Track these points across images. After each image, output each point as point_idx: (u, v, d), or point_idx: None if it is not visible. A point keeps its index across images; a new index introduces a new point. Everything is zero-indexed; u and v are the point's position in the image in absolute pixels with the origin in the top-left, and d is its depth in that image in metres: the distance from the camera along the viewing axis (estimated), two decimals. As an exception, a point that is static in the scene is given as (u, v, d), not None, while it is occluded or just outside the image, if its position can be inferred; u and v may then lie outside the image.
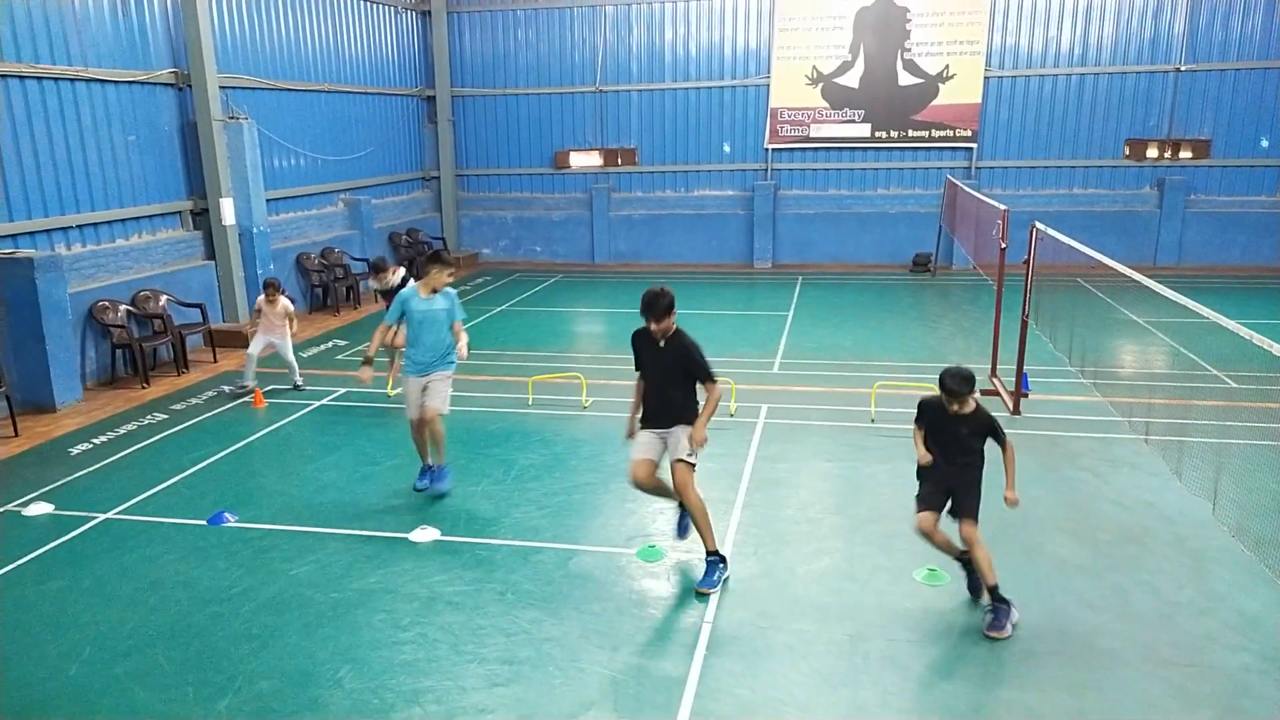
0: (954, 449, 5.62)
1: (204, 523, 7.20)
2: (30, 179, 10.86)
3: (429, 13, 20.22)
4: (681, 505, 6.30)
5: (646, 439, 6.25)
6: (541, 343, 13.38)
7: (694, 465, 6.07)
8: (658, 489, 6.27)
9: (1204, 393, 10.10)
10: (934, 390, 5.66)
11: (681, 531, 6.46)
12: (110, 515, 7.40)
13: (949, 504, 5.67)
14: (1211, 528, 6.81)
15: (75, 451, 8.93)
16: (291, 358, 10.92)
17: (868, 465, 8.24)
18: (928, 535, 5.66)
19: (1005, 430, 5.64)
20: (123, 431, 9.52)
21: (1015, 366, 9.70)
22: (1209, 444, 8.35)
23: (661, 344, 6.14)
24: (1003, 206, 10.26)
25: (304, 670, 5.21)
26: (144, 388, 11.19)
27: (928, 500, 5.65)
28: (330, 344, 13.45)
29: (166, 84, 12.94)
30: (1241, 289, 16.14)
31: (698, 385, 6.16)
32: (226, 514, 7.30)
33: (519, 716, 4.79)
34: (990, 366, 10.69)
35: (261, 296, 10.79)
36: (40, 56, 10.90)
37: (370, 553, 6.67)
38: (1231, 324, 6.26)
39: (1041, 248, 9.69)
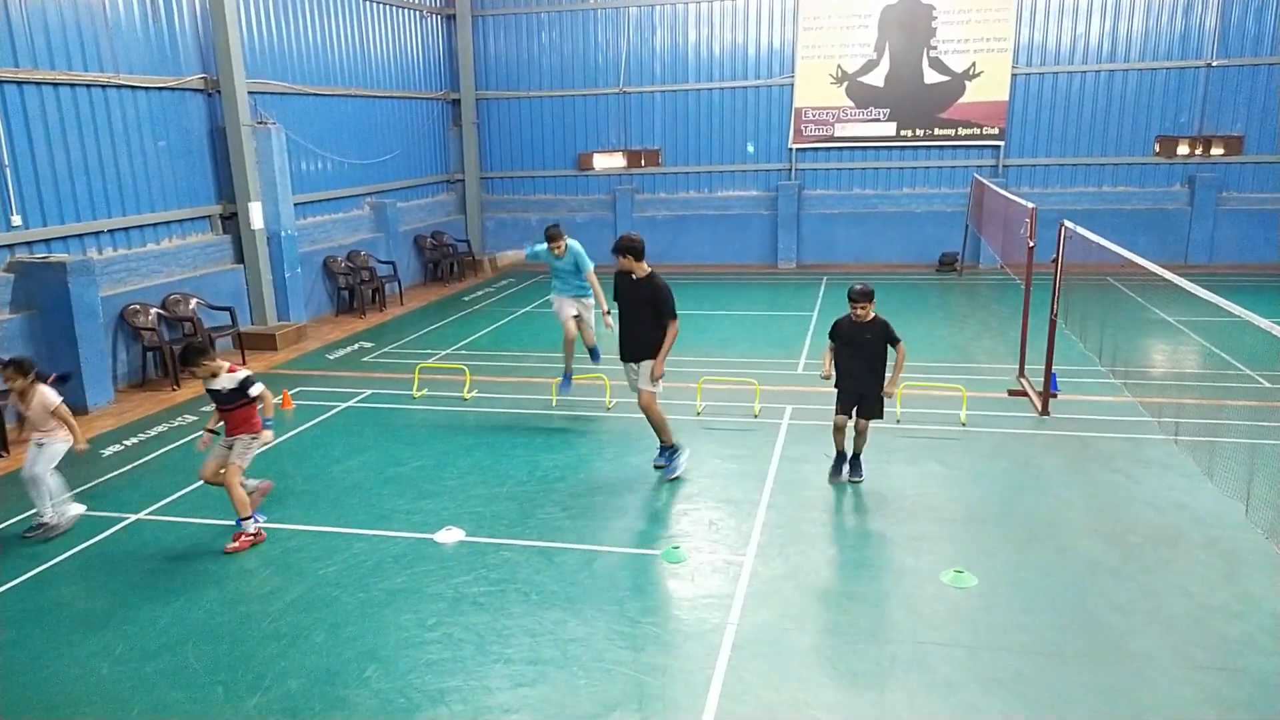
0: (863, 355, 7.47)
1: (233, 523, 7.27)
2: (63, 184, 11.04)
3: (454, 16, 20.34)
4: (665, 449, 8.16)
5: (626, 368, 8.17)
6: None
7: (656, 392, 7.93)
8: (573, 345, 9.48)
9: (1236, 393, 9.94)
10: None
11: (668, 463, 8.09)
12: (141, 516, 7.50)
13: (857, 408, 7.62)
14: (1245, 530, 6.69)
15: (106, 453, 9.06)
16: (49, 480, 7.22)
17: (893, 466, 8.19)
18: (838, 430, 7.71)
19: (899, 336, 7.47)
20: (153, 433, 9.64)
21: (1044, 367, 9.59)
22: (1241, 444, 8.21)
23: (635, 278, 7.85)
24: (1030, 205, 10.16)
25: (331, 669, 5.26)
26: (174, 390, 11.33)
27: (843, 406, 7.64)
28: (356, 346, 13.56)
29: (196, 90, 13.11)
30: (1274, 287, 15.86)
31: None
32: (256, 514, 7.37)
33: (544, 717, 4.80)
34: (1018, 367, 10.59)
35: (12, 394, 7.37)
36: (73, 64, 11.08)
37: (396, 553, 6.71)
38: (1264, 322, 6.16)
39: (1070, 246, 9.58)
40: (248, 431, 6.96)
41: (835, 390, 7.73)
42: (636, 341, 7.91)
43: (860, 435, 7.72)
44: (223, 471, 6.90)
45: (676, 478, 7.96)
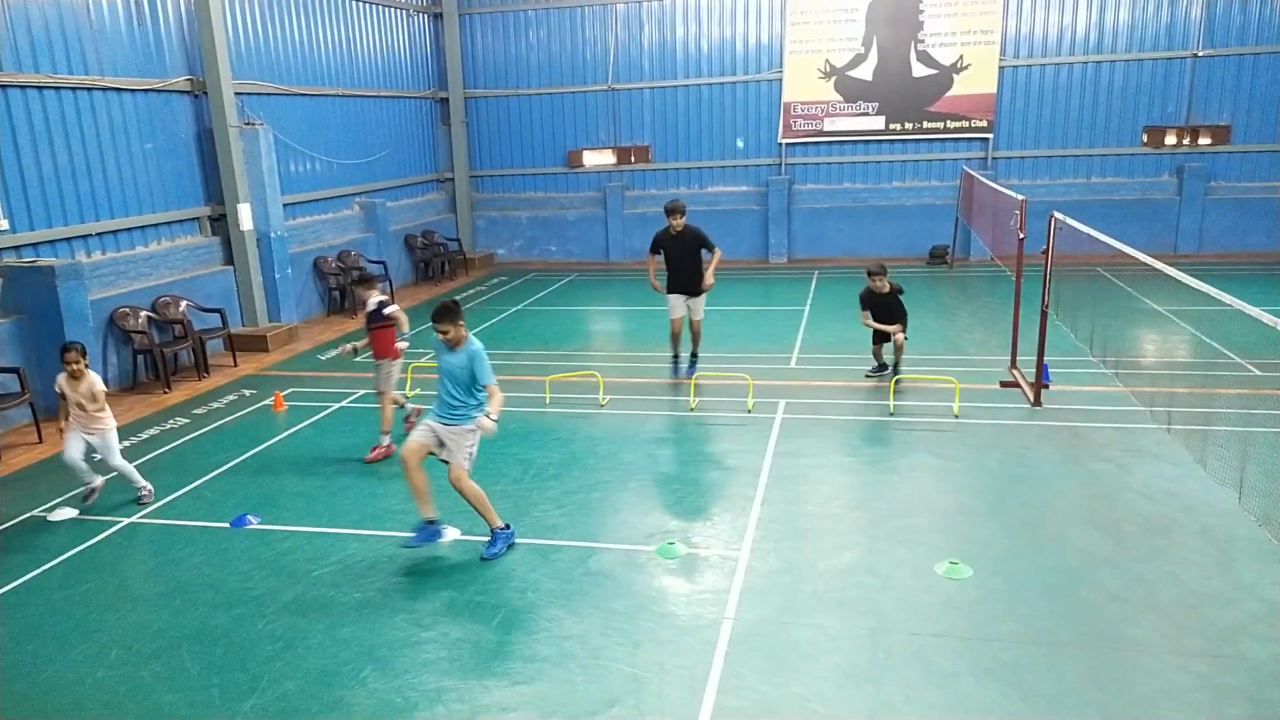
0: (885, 313, 10.30)
1: (227, 525, 7.26)
2: (50, 188, 10.97)
3: (440, 15, 20.28)
4: (692, 355, 11.08)
5: (679, 302, 10.61)
6: (558, 341, 13.40)
7: (701, 318, 10.87)
8: (680, 339, 10.95)
9: (1227, 381, 9.99)
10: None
11: (690, 372, 10.73)
12: (134, 519, 7.47)
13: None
14: (1237, 517, 6.73)
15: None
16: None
17: (887, 459, 8.21)
18: (877, 355, 10.72)
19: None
20: (145, 436, 9.60)
21: (1035, 358, 9.62)
22: (1233, 432, 8.26)
23: (678, 234, 10.33)
24: (1020, 197, 10.18)
25: (328, 670, 5.25)
26: (165, 392, 11.29)
27: (878, 341, 10.58)
28: (348, 346, 13.49)
29: (182, 91, 13.04)
30: (1264, 275, 15.94)
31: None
32: (249, 516, 7.36)
33: (541, 714, 4.80)
34: (1010, 358, 10.62)
35: (62, 375, 7.67)
36: (58, 67, 11.01)
37: (392, 553, 6.70)
38: (1254, 310, 6.19)
39: (1060, 237, 9.61)
40: (388, 356, 8.66)
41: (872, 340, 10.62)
42: (690, 278, 10.45)
43: (899, 348, 10.32)
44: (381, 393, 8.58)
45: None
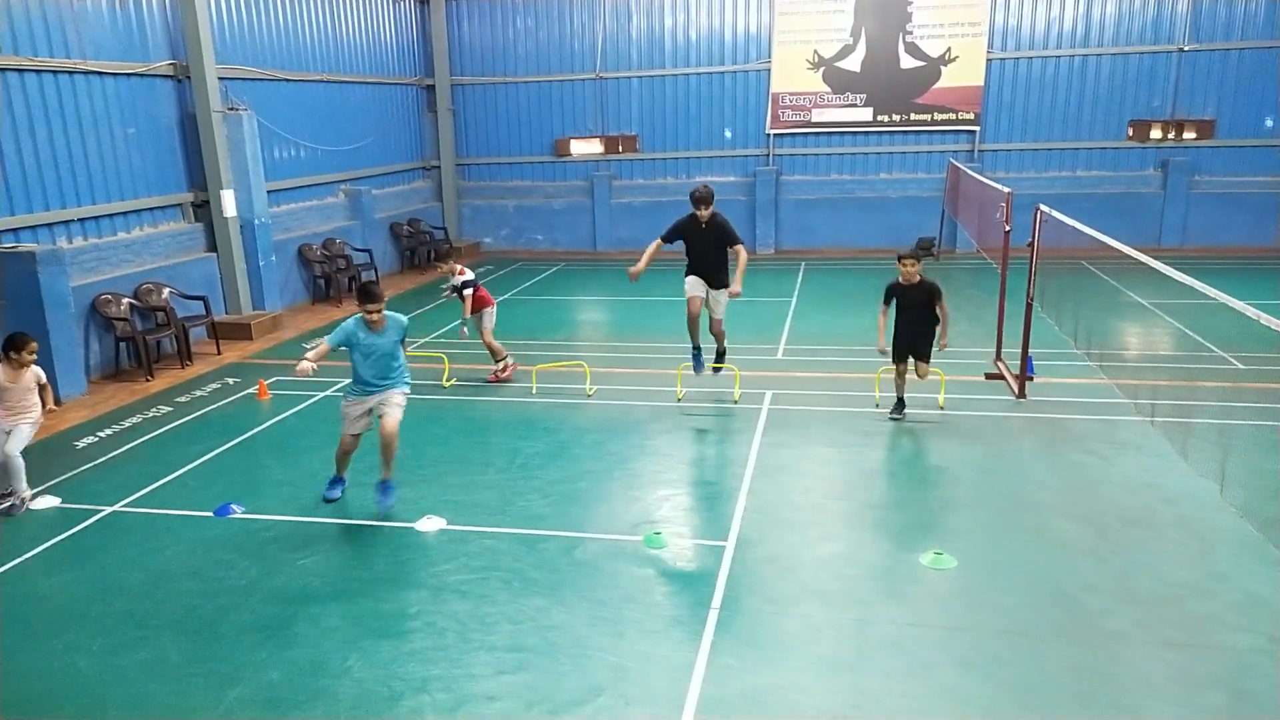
0: (912, 314, 8.53)
1: (210, 514, 7.22)
2: (30, 173, 10.84)
3: (427, 1, 20.13)
4: (715, 351, 9.90)
5: (697, 283, 9.40)
6: (544, 331, 13.37)
7: (722, 317, 9.53)
8: (698, 323, 9.45)
9: (1210, 374, 10.08)
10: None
11: (697, 367, 9.76)
12: (116, 508, 7.42)
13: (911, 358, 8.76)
14: (1218, 509, 6.80)
15: (81, 445, 8.95)
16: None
17: (872, 450, 8.24)
18: (897, 386, 8.89)
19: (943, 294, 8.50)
20: (128, 424, 9.54)
21: (1020, 350, 9.68)
22: (1215, 425, 8.34)
23: (704, 226, 9.20)
24: (1006, 189, 10.22)
25: (312, 660, 5.24)
26: (148, 380, 11.21)
27: (899, 357, 8.76)
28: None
29: (165, 76, 12.91)
30: (1247, 269, 16.08)
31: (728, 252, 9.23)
32: (233, 505, 7.33)
33: (527, 704, 4.80)
34: (995, 350, 10.67)
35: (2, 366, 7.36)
36: (39, 50, 10.87)
37: (376, 542, 6.68)
38: (1237, 304, 6.24)
39: (1045, 230, 9.66)
40: (483, 307, 10.81)
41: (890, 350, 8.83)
42: (714, 271, 9.35)
43: (925, 374, 8.86)
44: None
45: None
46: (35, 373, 7.52)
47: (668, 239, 9.54)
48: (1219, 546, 6.28)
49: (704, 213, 9.14)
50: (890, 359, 8.81)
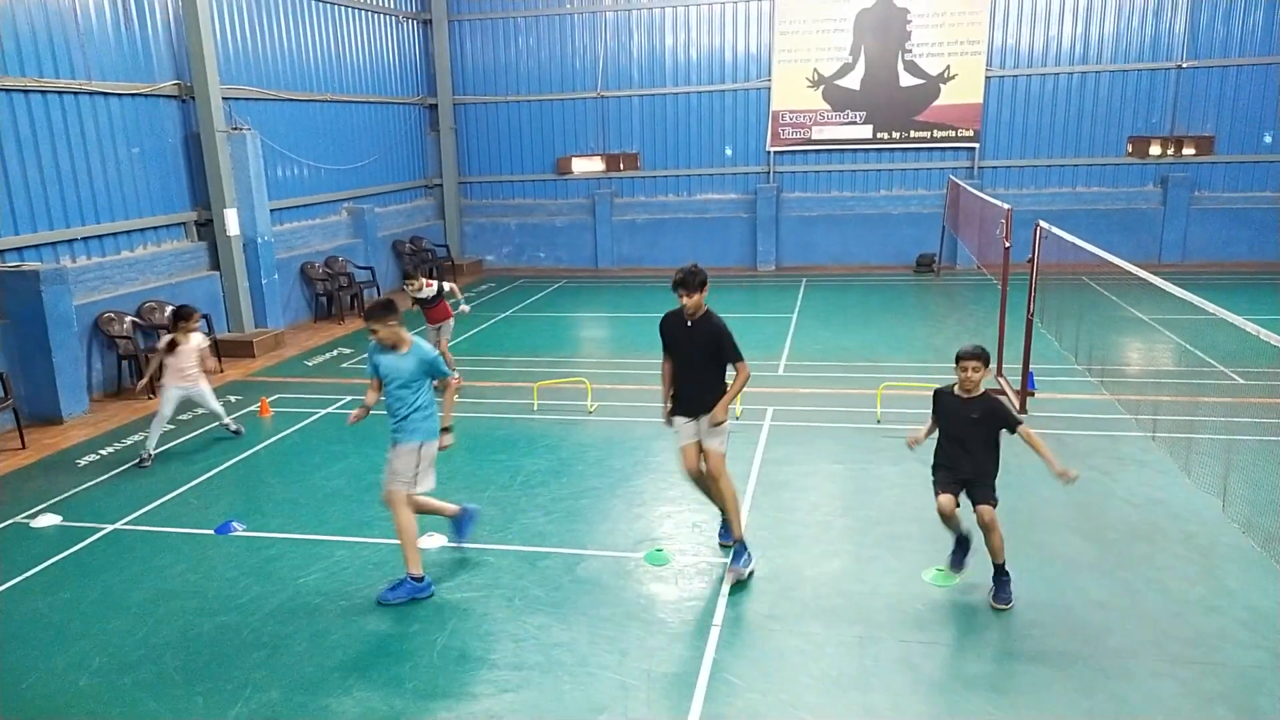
0: (966, 437, 5.85)
1: (212, 532, 7.21)
2: (35, 192, 10.90)
3: (430, 21, 20.28)
4: (724, 525, 6.67)
5: (687, 425, 6.35)
6: (546, 348, 13.38)
7: (723, 453, 6.26)
8: (703, 480, 6.41)
9: (1211, 389, 10.07)
10: (931, 386, 6.31)
11: (739, 562, 6.26)
12: (118, 526, 7.41)
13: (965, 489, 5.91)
14: (1221, 524, 6.78)
15: (82, 463, 8.95)
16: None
17: (875, 467, 8.23)
18: (946, 518, 5.88)
19: (1019, 417, 5.90)
20: (129, 442, 9.54)
21: (1021, 366, 9.68)
22: (1217, 440, 8.31)
23: (690, 324, 6.18)
24: (1006, 206, 10.25)
25: (313, 678, 5.21)
26: (150, 398, 11.20)
27: (944, 485, 5.88)
28: (335, 352, 13.47)
29: (170, 96, 12.99)
30: (1247, 285, 16.09)
31: (727, 368, 6.30)
32: (234, 523, 7.31)
33: (529, 722, 4.78)
34: (996, 366, 10.67)
35: (167, 338, 8.91)
36: (44, 71, 10.95)
37: (378, 560, 6.66)
38: (1238, 319, 6.25)
39: (1046, 246, 9.68)
40: (443, 320, 10.89)
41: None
42: (700, 400, 6.23)
43: (988, 529, 5.73)
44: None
45: (748, 575, 6.27)
46: (199, 340, 8.95)
47: (666, 349, 6.43)
48: (1224, 562, 6.25)
49: (687, 302, 6.08)
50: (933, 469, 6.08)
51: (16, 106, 10.61)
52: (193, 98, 13.17)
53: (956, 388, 5.89)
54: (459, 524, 6.73)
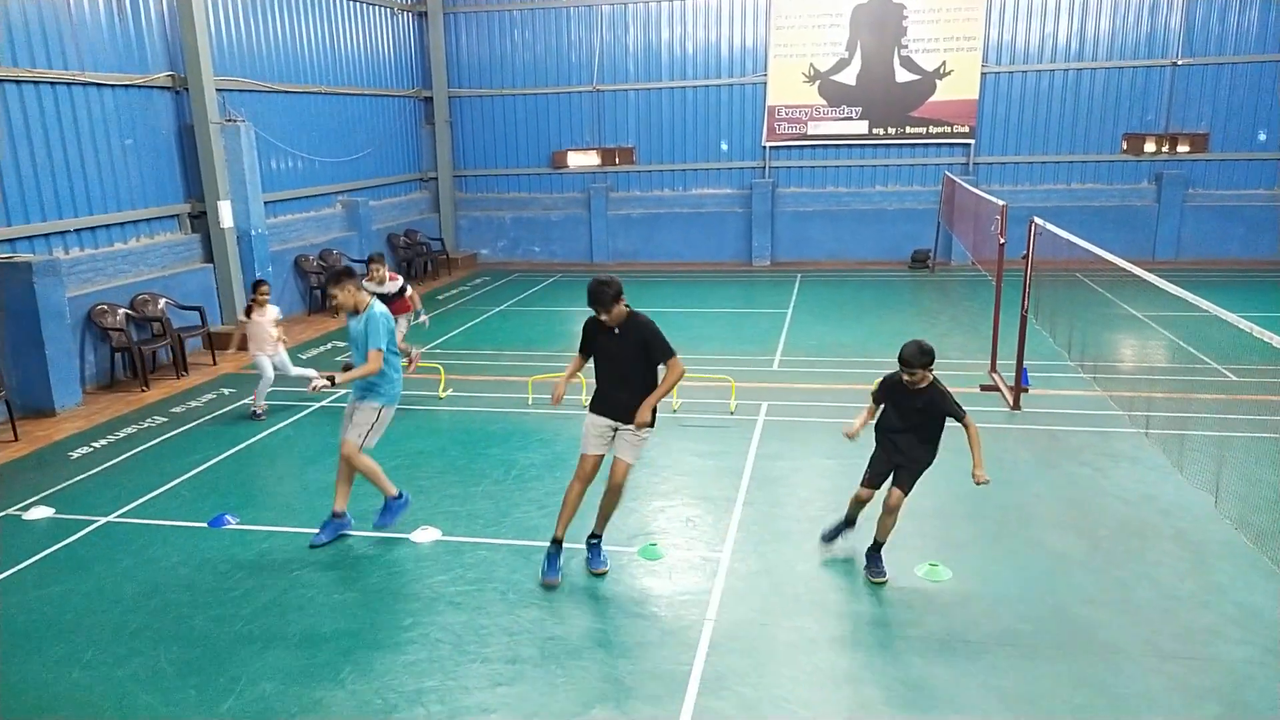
0: (906, 430, 5.97)
1: (205, 525, 7.19)
2: (28, 183, 10.85)
3: (425, 14, 20.22)
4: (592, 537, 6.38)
5: (600, 430, 6.09)
6: (541, 342, 13.38)
7: (632, 464, 6.13)
8: (578, 501, 6.14)
9: (1204, 386, 10.10)
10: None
11: (551, 571, 6.14)
12: (111, 518, 7.40)
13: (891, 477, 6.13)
14: (1213, 521, 6.81)
15: (75, 455, 8.93)
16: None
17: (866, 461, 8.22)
18: (856, 505, 6.31)
19: (965, 408, 5.87)
20: (123, 435, 9.51)
21: (1015, 362, 9.70)
22: (1210, 437, 8.35)
23: (617, 331, 5.94)
24: (1001, 202, 10.26)
25: (306, 671, 5.21)
26: (143, 391, 11.18)
27: (871, 477, 6.18)
28: (329, 345, 13.45)
29: (163, 87, 12.93)
30: (1240, 282, 16.14)
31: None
32: (227, 516, 7.30)
33: (522, 716, 4.78)
34: (990, 362, 10.69)
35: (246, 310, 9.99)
36: (37, 61, 10.90)
37: (372, 553, 6.66)
38: (1231, 316, 6.27)
39: (1040, 243, 9.69)
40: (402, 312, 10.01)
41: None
42: (625, 395, 5.99)
43: (891, 511, 6.04)
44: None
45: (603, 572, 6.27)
46: (273, 311, 9.80)
47: (582, 348, 6.28)
48: (1215, 558, 6.28)
49: (607, 318, 5.89)
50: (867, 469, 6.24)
51: (9, 97, 10.55)
52: (186, 89, 13.12)
53: (903, 378, 5.86)
54: (390, 507, 6.87)
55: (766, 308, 15.37)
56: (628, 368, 5.97)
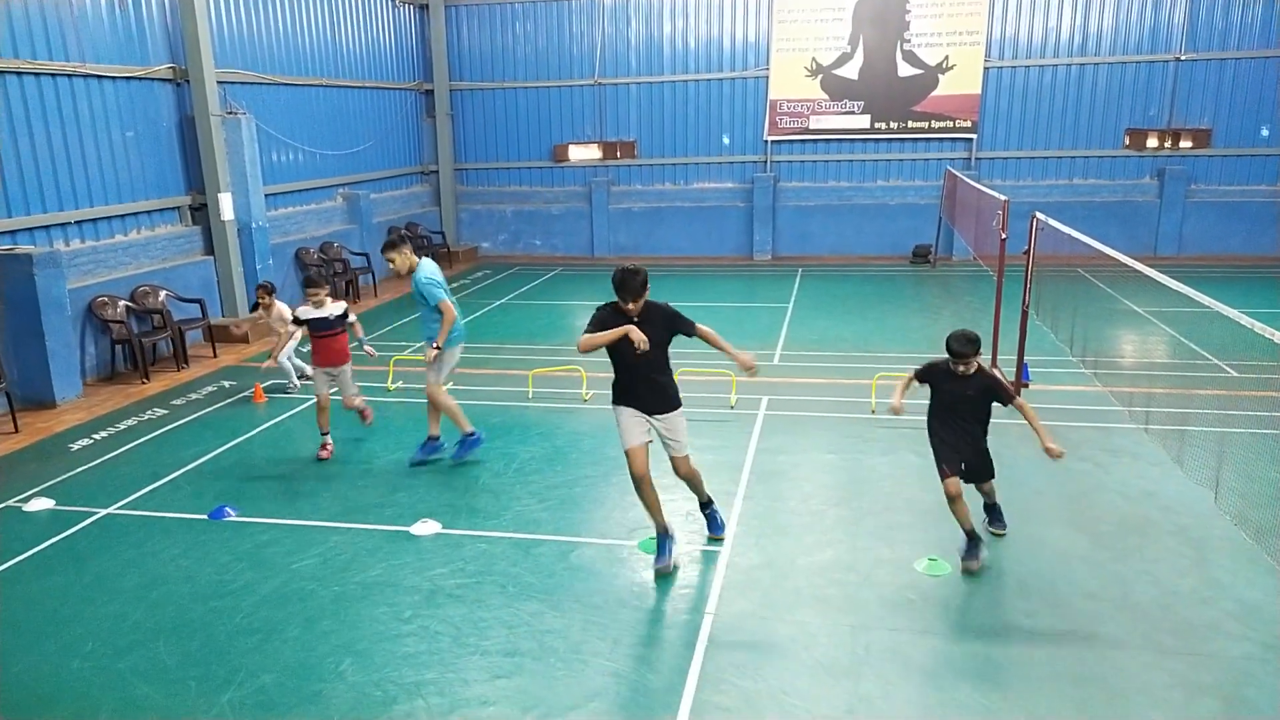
0: (962, 412, 6.08)
1: (205, 517, 7.20)
2: (29, 175, 10.84)
3: (426, 6, 20.16)
4: (703, 504, 6.65)
5: (634, 420, 6.00)
6: (542, 336, 13.37)
7: (688, 453, 6.29)
8: (650, 485, 6.05)
9: (1205, 382, 10.09)
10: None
11: (662, 557, 6.18)
12: (111, 510, 7.40)
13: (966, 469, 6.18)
14: (1213, 517, 6.80)
15: (75, 447, 8.93)
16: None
17: (869, 457, 8.24)
18: (953, 500, 6.06)
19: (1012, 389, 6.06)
20: (123, 427, 9.52)
21: (1016, 357, 9.69)
22: (1210, 433, 8.34)
23: (637, 320, 5.83)
24: (1003, 197, 10.24)
25: (306, 663, 5.22)
26: (144, 383, 11.19)
27: (950, 464, 6.08)
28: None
29: (164, 79, 12.91)
30: (1242, 278, 16.11)
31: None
32: (228, 508, 7.31)
33: (521, 708, 4.79)
34: (991, 357, 10.68)
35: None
36: (38, 53, 10.87)
37: (372, 546, 6.67)
38: (1232, 312, 6.25)
39: (1042, 238, 9.67)
40: (343, 362, 8.48)
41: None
42: (660, 396, 6.04)
43: (991, 496, 6.52)
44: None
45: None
46: (280, 308, 10.12)
47: (593, 326, 6.01)
48: (1215, 554, 6.28)
49: (633, 305, 5.86)
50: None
51: (10, 89, 10.53)
52: (187, 81, 13.09)
53: (950, 364, 5.97)
54: (465, 442, 8.14)
55: (768, 302, 15.36)
56: (653, 353, 5.80)
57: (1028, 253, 9.59)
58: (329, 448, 8.50)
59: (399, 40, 19.54)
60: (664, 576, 6.13)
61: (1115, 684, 4.90)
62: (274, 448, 8.89)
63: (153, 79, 12.69)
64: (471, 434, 8.13)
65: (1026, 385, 9.73)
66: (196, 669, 5.19)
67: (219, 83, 13.37)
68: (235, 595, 6.01)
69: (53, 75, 11.08)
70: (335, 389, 8.50)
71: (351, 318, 8.53)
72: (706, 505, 6.63)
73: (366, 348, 8.79)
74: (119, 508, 7.46)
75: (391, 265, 7.75)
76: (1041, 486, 7.46)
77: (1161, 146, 18.41)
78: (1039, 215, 9.78)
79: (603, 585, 6.05)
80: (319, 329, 8.25)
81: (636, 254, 20.42)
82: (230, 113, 13.54)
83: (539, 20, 20.00)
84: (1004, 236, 9.94)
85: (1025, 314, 9.70)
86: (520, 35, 20.18)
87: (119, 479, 8.06)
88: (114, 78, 12.00)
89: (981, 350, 5.92)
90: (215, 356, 12.37)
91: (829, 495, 7.44)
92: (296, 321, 8.50)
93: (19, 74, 10.63)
